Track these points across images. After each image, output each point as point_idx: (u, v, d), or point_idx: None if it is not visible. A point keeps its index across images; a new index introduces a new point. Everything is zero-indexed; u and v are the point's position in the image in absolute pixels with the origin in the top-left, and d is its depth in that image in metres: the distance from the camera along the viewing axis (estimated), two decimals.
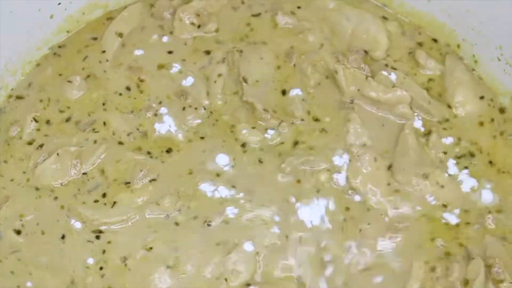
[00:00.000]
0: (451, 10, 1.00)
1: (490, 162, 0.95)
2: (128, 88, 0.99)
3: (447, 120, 0.97)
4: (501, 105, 0.99)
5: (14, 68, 0.99)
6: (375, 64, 1.00)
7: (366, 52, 1.00)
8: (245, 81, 0.97)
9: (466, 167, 0.94)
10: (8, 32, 0.94)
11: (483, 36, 0.99)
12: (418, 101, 0.96)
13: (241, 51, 1.00)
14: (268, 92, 0.98)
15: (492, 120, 0.98)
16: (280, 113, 0.96)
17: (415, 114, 0.96)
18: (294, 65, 1.00)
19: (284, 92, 0.98)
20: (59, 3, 0.99)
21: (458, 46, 1.02)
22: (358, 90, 0.96)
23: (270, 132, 0.95)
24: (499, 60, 0.98)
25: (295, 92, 0.98)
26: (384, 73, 0.98)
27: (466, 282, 0.85)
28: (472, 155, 0.95)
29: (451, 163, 0.94)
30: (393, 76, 0.98)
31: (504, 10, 0.93)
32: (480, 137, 0.96)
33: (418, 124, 0.96)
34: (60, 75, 1.00)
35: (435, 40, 1.04)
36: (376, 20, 1.02)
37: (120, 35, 1.02)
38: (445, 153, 0.94)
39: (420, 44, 1.03)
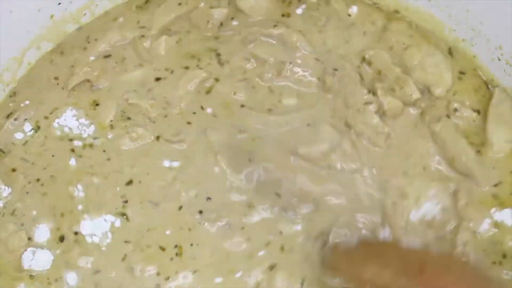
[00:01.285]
0: (451, 10, 1.00)
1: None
2: None
3: (495, 185, 0.95)
4: None
5: (14, 68, 0.99)
6: (436, 100, 0.99)
7: (428, 89, 0.99)
8: None
9: None
10: (8, 32, 0.94)
11: (483, 36, 0.99)
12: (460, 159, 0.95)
13: None
14: None
15: None
16: None
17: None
18: None
19: None
20: (59, 3, 0.99)
21: (458, 46, 1.02)
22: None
23: None
24: (499, 60, 0.98)
25: None
26: None
27: None
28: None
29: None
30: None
31: (504, 10, 0.93)
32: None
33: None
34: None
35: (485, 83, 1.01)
36: (446, 59, 1.00)
37: None
38: None
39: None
